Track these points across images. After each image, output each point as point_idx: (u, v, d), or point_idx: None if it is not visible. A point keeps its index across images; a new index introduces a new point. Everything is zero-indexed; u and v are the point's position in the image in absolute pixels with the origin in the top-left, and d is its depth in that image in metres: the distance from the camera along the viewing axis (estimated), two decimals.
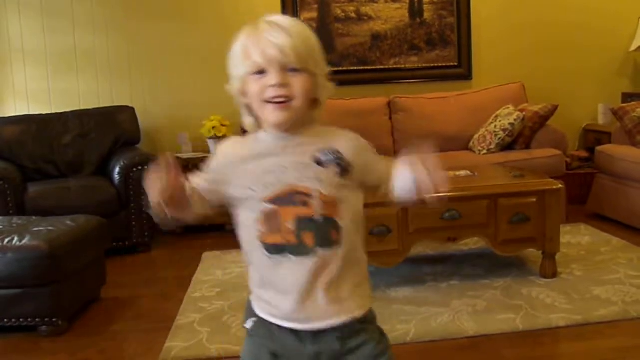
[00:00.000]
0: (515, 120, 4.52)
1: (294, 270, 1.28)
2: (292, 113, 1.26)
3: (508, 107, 4.72)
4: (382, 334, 1.40)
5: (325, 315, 1.30)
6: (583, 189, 4.80)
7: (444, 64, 5.27)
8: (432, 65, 5.26)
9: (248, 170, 1.30)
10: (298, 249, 1.27)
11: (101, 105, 4.87)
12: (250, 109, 1.32)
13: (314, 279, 1.27)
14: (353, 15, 5.14)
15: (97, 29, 4.96)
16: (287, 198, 1.27)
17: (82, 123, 4.65)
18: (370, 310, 1.38)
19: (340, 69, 5.06)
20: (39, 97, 4.96)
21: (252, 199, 1.29)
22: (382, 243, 3.11)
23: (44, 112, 4.76)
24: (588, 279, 3.27)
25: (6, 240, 2.89)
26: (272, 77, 1.24)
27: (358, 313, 1.33)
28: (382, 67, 5.20)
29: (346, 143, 1.32)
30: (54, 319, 2.90)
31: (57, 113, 4.71)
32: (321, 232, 1.27)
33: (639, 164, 4.13)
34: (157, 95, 5.06)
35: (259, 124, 1.33)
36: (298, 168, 1.27)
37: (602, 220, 4.45)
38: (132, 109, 4.82)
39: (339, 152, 1.30)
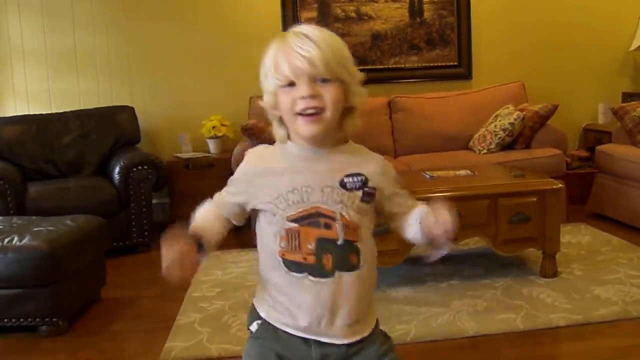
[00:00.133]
0: (515, 119, 4.52)
1: (312, 291, 1.28)
2: (323, 125, 1.26)
3: (508, 107, 4.72)
4: (385, 335, 1.41)
5: (338, 335, 1.32)
6: (583, 188, 4.79)
7: (444, 64, 5.27)
8: (432, 64, 5.26)
9: (274, 185, 1.30)
10: (317, 271, 1.27)
11: (101, 105, 4.87)
12: (282, 122, 1.32)
13: (332, 303, 1.28)
14: (353, 14, 5.14)
15: (97, 29, 4.96)
16: (311, 219, 1.27)
17: (82, 123, 4.65)
18: (377, 321, 1.40)
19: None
20: (39, 97, 4.96)
21: (275, 214, 1.29)
22: (382, 243, 3.08)
23: (44, 112, 4.75)
24: (588, 279, 3.27)
25: (6, 240, 2.89)
26: (302, 89, 1.24)
27: (368, 332, 1.35)
28: (382, 66, 5.20)
29: (375, 168, 1.34)
30: (54, 319, 2.90)
31: (57, 113, 4.71)
32: (341, 255, 1.27)
33: (639, 164, 4.13)
34: (157, 95, 5.06)
35: (290, 137, 1.33)
36: (324, 190, 1.28)
37: (603, 219, 4.45)
38: (132, 109, 4.82)
39: (365, 177, 1.30)
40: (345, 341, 1.32)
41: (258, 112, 4.44)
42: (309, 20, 5.04)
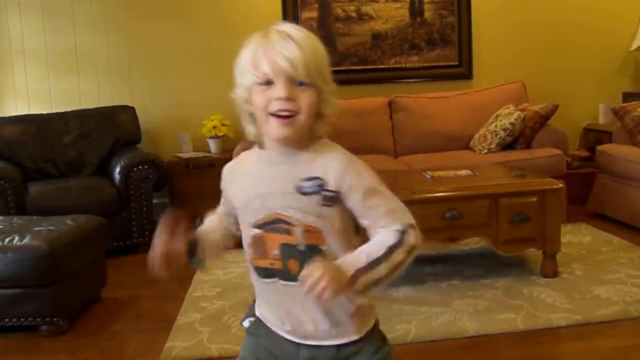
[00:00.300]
0: (515, 119, 4.52)
1: (284, 296, 1.29)
2: (296, 128, 1.23)
3: (508, 107, 4.72)
4: (383, 341, 1.38)
5: (322, 337, 1.31)
6: (584, 188, 4.79)
7: (444, 64, 5.27)
8: (432, 64, 5.26)
9: (241, 191, 1.31)
10: (285, 275, 1.27)
11: (101, 105, 4.87)
12: (253, 118, 1.30)
13: (305, 306, 1.27)
14: (354, 14, 5.13)
15: (98, 29, 4.96)
16: (272, 225, 1.26)
17: (82, 123, 4.65)
18: (373, 326, 1.37)
19: (341, 68, 5.06)
20: (39, 97, 4.96)
21: (244, 221, 1.31)
22: None
23: (44, 112, 4.75)
24: (589, 279, 3.27)
25: (7, 240, 2.89)
26: (279, 90, 1.21)
27: (356, 336, 1.32)
28: (382, 66, 5.19)
29: (335, 169, 1.25)
30: (54, 319, 2.90)
31: (57, 113, 4.71)
32: (306, 260, 1.23)
33: None
34: (158, 95, 5.06)
35: (260, 134, 1.31)
36: (282, 196, 1.25)
37: (603, 219, 4.44)
38: (133, 108, 4.82)
39: (324, 181, 1.24)
40: (332, 343, 1.31)
41: None
42: (309, 20, 5.04)
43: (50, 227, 3.05)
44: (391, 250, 1.23)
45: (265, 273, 1.29)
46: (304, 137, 1.27)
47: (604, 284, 3.18)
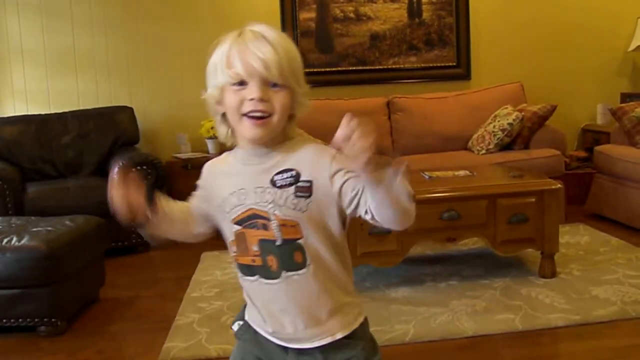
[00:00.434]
0: (514, 120, 4.52)
1: (266, 293, 1.28)
2: (269, 129, 1.23)
3: (507, 107, 4.73)
4: (374, 350, 1.36)
5: (305, 338, 1.29)
6: (582, 189, 4.80)
7: (442, 64, 5.28)
8: (430, 65, 5.26)
9: (220, 190, 1.30)
10: (265, 272, 1.27)
11: (100, 106, 4.87)
12: (224, 119, 1.29)
13: (286, 303, 1.26)
14: (352, 15, 5.14)
15: (96, 30, 4.96)
16: (250, 221, 1.26)
17: (81, 123, 4.65)
18: (360, 325, 1.33)
19: (339, 69, 5.07)
20: (37, 97, 4.96)
21: (224, 219, 1.31)
22: (381, 243, 3.11)
23: (42, 113, 4.76)
24: (587, 279, 3.27)
25: (5, 240, 2.89)
26: (253, 91, 1.20)
27: (341, 334, 1.30)
28: (380, 67, 5.20)
29: (308, 159, 1.25)
30: (53, 319, 2.89)
31: (56, 113, 4.71)
32: (284, 255, 1.24)
33: (638, 164, 4.13)
34: (156, 95, 5.06)
35: (233, 135, 1.31)
36: (256, 191, 1.25)
37: (601, 220, 4.45)
38: (131, 109, 4.82)
39: (297, 172, 1.24)
40: (316, 344, 1.29)
41: None
42: (307, 21, 5.05)
43: (49, 228, 3.05)
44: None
45: (247, 270, 1.29)
46: (277, 138, 1.28)
47: (602, 285, 3.18)
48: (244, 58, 1.21)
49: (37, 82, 4.95)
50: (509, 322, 2.79)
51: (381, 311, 2.88)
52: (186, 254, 4.05)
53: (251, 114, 1.22)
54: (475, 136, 4.73)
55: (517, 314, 2.87)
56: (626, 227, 4.20)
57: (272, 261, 1.25)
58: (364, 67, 5.15)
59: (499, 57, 5.33)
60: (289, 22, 5.02)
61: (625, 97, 5.17)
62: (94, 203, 4.06)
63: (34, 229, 3.02)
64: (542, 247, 3.30)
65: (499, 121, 4.60)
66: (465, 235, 3.38)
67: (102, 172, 4.48)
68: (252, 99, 1.20)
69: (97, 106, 4.85)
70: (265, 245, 1.25)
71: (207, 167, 1.39)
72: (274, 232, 1.24)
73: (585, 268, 3.45)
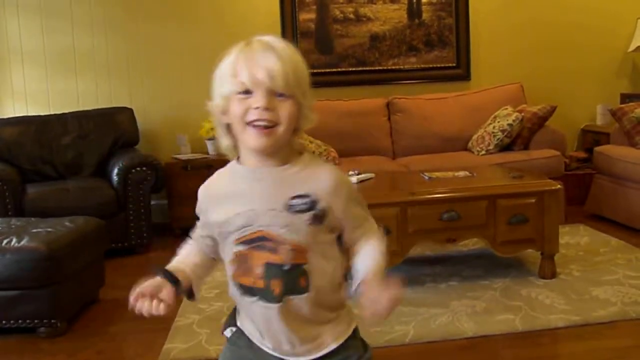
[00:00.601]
0: (513, 121, 4.52)
1: (264, 314, 1.27)
2: (274, 139, 1.21)
3: (507, 108, 4.73)
4: (365, 348, 1.37)
5: (301, 352, 1.30)
6: (582, 189, 4.80)
7: (442, 65, 5.28)
8: (430, 66, 5.26)
9: (221, 210, 1.27)
10: (266, 295, 1.25)
11: (100, 107, 4.87)
12: (229, 130, 1.27)
13: (283, 324, 1.26)
14: (351, 16, 5.14)
15: (96, 30, 4.96)
16: (257, 242, 1.24)
17: (80, 124, 4.65)
18: (352, 331, 1.35)
19: (339, 69, 5.07)
20: (37, 98, 4.96)
21: (225, 239, 1.28)
22: None
23: (42, 113, 4.76)
24: (587, 280, 3.27)
25: (5, 241, 2.89)
26: (258, 100, 1.19)
27: (335, 344, 1.31)
28: (380, 68, 5.20)
29: (325, 186, 1.25)
30: (52, 320, 2.89)
31: (55, 114, 4.71)
32: (290, 280, 1.23)
33: (638, 165, 4.13)
34: (156, 96, 5.06)
35: (236, 147, 1.29)
36: (268, 214, 1.22)
37: (601, 220, 4.45)
38: (131, 110, 4.82)
39: (313, 198, 1.23)
40: (312, 357, 1.30)
41: None
42: (307, 22, 5.05)
43: (49, 229, 3.05)
44: (384, 251, 1.33)
45: (247, 291, 1.27)
46: (283, 151, 1.25)
47: (601, 285, 3.18)
48: (250, 67, 1.20)
49: (36, 83, 4.95)
50: (509, 323, 2.79)
51: None
52: None
53: (256, 123, 1.20)
54: (475, 137, 4.73)
55: (517, 314, 2.87)
56: (626, 228, 4.20)
57: (276, 285, 1.23)
58: (364, 68, 5.15)
59: (499, 57, 5.33)
60: (288, 23, 5.02)
61: (625, 98, 5.17)
62: (93, 204, 4.07)
63: (34, 230, 3.02)
64: (542, 248, 3.30)
65: (498, 122, 4.60)
66: (465, 236, 3.38)
67: (102, 173, 4.49)
68: (257, 108, 1.19)
69: (96, 107, 4.85)
70: (271, 268, 1.23)
71: (202, 192, 1.35)
72: (283, 257, 1.22)
73: (585, 269, 3.45)
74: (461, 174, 3.57)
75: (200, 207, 1.35)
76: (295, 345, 1.29)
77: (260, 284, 1.24)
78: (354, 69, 5.12)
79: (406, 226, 3.17)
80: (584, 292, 3.10)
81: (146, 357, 2.66)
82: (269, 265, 1.23)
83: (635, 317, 2.80)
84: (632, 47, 5.25)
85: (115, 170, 4.24)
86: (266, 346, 1.32)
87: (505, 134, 4.52)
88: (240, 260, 1.26)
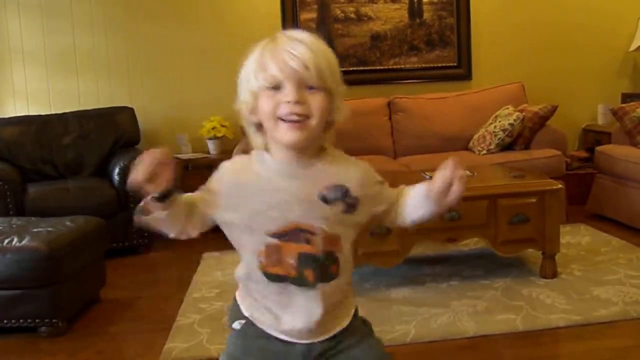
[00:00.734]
0: (514, 120, 4.52)
1: (293, 299, 1.28)
2: (307, 133, 1.19)
3: (508, 108, 4.72)
4: (364, 322, 1.42)
5: (318, 333, 1.32)
6: (583, 189, 4.79)
7: (443, 65, 5.27)
8: (431, 65, 5.26)
9: (253, 201, 1.24)
10: (299, 282, 1.26)
11: (100, 106, 4.87)
12: (259, 128, 1.25)
13: (312, 309, 1.28)
14: (352, 15, 5.14)
15: (97, 30, 4.96)
16: (291, 234, 1.24)
17: (81, 124, 4.65)
18: (354, 312, 1.40)
19: (340, 69, 5.06)
20: (38, 97, 4.96)
21: (254, 230, 1.25)
22: (382, 243, 3.11)
23: (43, 113, 4.76)
24: (588, 279, 3.27)
25: (5, 241, 2.89)
26: (289, 93, 1.17)
27: (346, 321, 1.35)
28: (381, 67, 5.19)
29: (355, 175, 1.28)
30: (53, 320, 2.89)
31: (56, 114, 4.71)
32: (322, 268, 1.25)
33: (639, 164, 4.13)
34: (157, 95, 5.06)
35: (267, 145, 1.26)
36: (303, 206, 1.23)
37: (602, 220, 4.45)
38: (132, 109, 4.82)
39: (346, 189, 1.25)
40: (324, 337, 1.32)
41: None
42: (308, 21, 5.04)
43: (49, 228, 3.05)
44: None
45: (277, 278, 1.27)
46: (314, 147, 1.25)
47: (603, 285, 3.18)
48: (279, 59, 1.17)
49: (37, 83, 4.95)
50: (510, 323, 2.79)
51: (382, 311, 2.88)
52: (186, 255, 4.05)
53: (287, 117, 1.18)
54: (476, 136, 4.72)
55: (518, 314, 2.87)
56: (627, 228, 4.20)
57: (309, 273, 1.25)
58: (365, 68, 5.15)
59: (500, 57, 5.32)
60: (289, 23, 5.01)
61: (626, 98, 5.17)
62: (94, 204, 4.07)
63: (35, 230, 3.02)
64: (543, 248, 3.30)
65: (499, 121, 4.60)
66: (466, 235, 3.38)
67: (103, 173, 4.49)
68: (288, 102, 1.17)
69: (97, 107, 4.85)
70: (305, 258, 1.24)
71: (231, 179, 1.27)
72: (318, 247, 1.24)
73: (586, 268, 3.45)
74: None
75: (225, 191, 1.26)
76: (313, 328, 1.30)
77: (294, 273, 1.25)
78: (355, 68, 5.12)
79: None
80: (585, 292, 3.10)
81: (147, 357, 2.65)
82: (302, 255, 1.24)
83: (637, 317, 2.80)
84: (633, 47, 5.25)
85: (116, 170, 4.24)
86: (280, 330, 1.31)
87: (507, 133, 4.52)
88: (271, 251, 1.25)
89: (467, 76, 5.30)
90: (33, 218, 3.38)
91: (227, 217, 1.27)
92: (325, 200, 1.23)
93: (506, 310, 2.93)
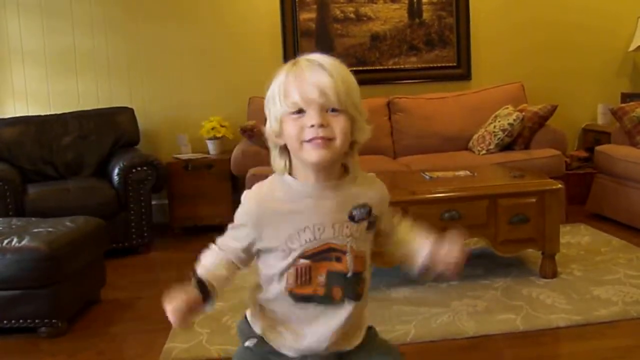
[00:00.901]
0: (514, 120, 4.52)
1: (316, 318, 1.30)
2: (332, 152, 1.23)
3: (507, 107, 4.72)
4: (372, 329, 1.45)
5: (332, 349, 1.34)
6: (582, 189, 4.80)
7: (443, 64, 5.27)
8: (431, 65, 5.26)
9: (284, 226, 1.27)
10: (325, 300, 1.29)
11: (100, 107, 4.87)
12: (283, 151, 1.29)
13: (335, 327, 1.30)
14: (352, 15, 5.14)
15: (96, 30, 4.96)
16: (323, 254, 1.28)
17: (81, 124, 4.65)
18: (367, 327, 1.44)
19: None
20: (38, 98, 4.96)
21: (288, 254, 1.28)
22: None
23: (43, 113, 4.76)
24: (588, 279, 3.27)
25: (5, 241, 2.89)
26: (312, 117, 1.21)
27: (358, 342, 1.39)
28: (381, 67, 5.20)
29: (377, 196, 1.35)
30: (53, 320, 2.89)
31: (56, 114, 4.71)
32: (350, 286, 1.29)
33: (639, 164, 4.13)
34: (156, 96, 5.06)
35: (290, 168, 1.29)
36: (335, 226, 1.28)
37: (602, 220, 4.45)
38: (131, 110, 4.82)
39: (370, 207, 1.32)
40: (337, 351, 1.36)
41: (257, 113, 4.44)
42: (307, 21, 5.04)
43: (49, 229, 3.05)
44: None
45: (303, 298, 1.29)
46: (338, 167, 1.29)
47: (603, 285, 3.18)
48: (300, 87, 1.21)
49: (37, 83, 4.95)
50: (510, 322, 2.79)
51: (382, 311, 2.88)
52: (186, 255, 4.04)
53: (312, 140, 1.22)
54: (475, 136, 4.72)
55: (518, 314, 2.87)
56: (627, 227, 4.20)
57: (337, 291, 1.29)
58: (364, 68, 5.14)
59: (500, 57, 5.33)
60: (289, 23, 5.01)
61: (626, 97, 5.17)
62: (94, 204, 4.07)
63: (35, 230, 3.02)
64: (543, 247, 3.30)
65: (499, 121, 4.60)
66: (465, 235, 3.37)
67: (103, 173, 4.49)
68: (312, 126, 1.21)
69: (97, 107, 4.85)
70: (334, 276, 1.28)
71: (257, 206, 1.31)
72: (348, 265, 1.28)
73: (586, 268, 3.45)
74: (462, 173, 3.57)
75: (255, 221, 1.30)
76: (331, 345, 1.33)
77: (321, 291, 1.29)
78: (354, 68, 4.99)
79: None
80: (585, 292, 3.10)
81: (147, 357, 2.65)
82: (331, 274, 1.28)
83: (637, 317, 2.80)
84: (632, 47, 5.25)
85: (116, 170, 4.24)
86: (297, 349, 1.33)
87: (506, 133, 4.52)
88: (302, 272, 1.28)
89: (466, 76, 5.30)
90: (33, 218, 3.38)
91: (262, 246, 1.31)
92: (352, 219, 1.29)
93: (506, 310, 2.93)
